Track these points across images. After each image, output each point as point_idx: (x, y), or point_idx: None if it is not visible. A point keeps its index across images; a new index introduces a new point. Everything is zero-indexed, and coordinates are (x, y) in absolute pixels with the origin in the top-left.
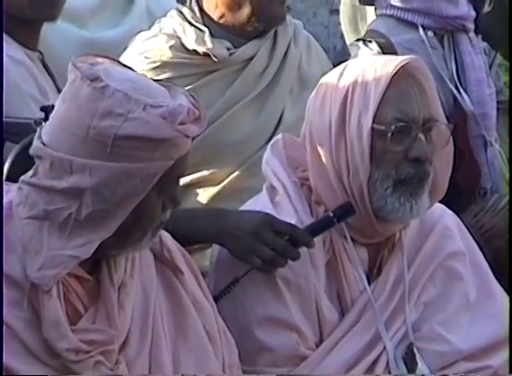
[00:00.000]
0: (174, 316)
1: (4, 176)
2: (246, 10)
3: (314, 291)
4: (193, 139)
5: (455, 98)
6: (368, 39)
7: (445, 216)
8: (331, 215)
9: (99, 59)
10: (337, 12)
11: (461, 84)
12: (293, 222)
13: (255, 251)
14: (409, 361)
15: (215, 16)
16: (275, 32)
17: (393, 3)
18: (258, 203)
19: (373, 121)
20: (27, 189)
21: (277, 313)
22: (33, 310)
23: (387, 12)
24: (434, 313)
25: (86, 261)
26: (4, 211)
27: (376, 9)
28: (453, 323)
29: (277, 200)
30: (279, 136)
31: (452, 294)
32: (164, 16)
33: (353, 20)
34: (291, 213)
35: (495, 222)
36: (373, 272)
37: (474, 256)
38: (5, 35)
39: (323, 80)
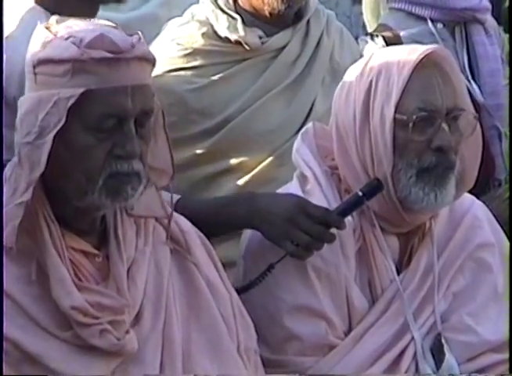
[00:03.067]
0: (187, 297)
1: None
2: None
3: (344, 280)
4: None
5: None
6: (375, 34)
7: (474, 207)
8: (360, 193)
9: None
10: (360, 2)
11: (473, 76)
12: None
13: (290, 236)
14: (437, 352)
15: (248, 5)
16: (308, 22)
17: None
18: (289, 191)
19: (396, 111)
20: None
21: (307, 302)
22: (41, 285)
23: (396, 5)
24: (462, 304)
25: (93, 236)
26: None
27: (387, 1)
28: (482, 314)
29: (308, 188)
30: (309, 125)
31: (481, 285)
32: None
33: (375, 10)
34: (322, 202)
35: (500, 210)
36: (404, 261)
37: (502, 247)
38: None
39: (349, 70)
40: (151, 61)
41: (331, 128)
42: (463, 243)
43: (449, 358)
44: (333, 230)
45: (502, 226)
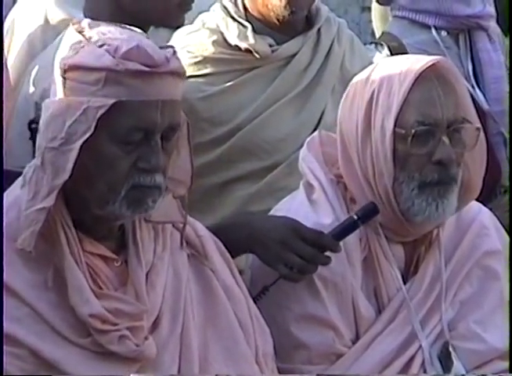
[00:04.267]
0: (205, 302)
1: None
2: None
3: (351, 289)
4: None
5: (472, 96)
6: (379, 42)
7: (481, 214)
8: (355, 217)
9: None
10: (369, 9)
11: (478, 83)
12: (330, 219)
13: (283, 259)
14: (445, 359)
15: (257, 13)
16: (319, 30)
17: (404, 5)
18: (295, 200)
19: (395, 124)
20: None
21: (314, 311)
22: (58, 291)
23: (400, 13)
24: (470, 312)
25: (111, 241)
26: None
27: (391, 9)
28: (489, 322)
29: (314, 197)
30: (315, 133)
31: (488, 293)
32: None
33: (384, 18)
34: (328, 211)
35: (503, 219)
36: (410, 270)
37: (507, 255)
38: None
39: (354, 80)
40: (183, 76)
41: (337, 136)
42: (470, 250)
43: (457, 366)
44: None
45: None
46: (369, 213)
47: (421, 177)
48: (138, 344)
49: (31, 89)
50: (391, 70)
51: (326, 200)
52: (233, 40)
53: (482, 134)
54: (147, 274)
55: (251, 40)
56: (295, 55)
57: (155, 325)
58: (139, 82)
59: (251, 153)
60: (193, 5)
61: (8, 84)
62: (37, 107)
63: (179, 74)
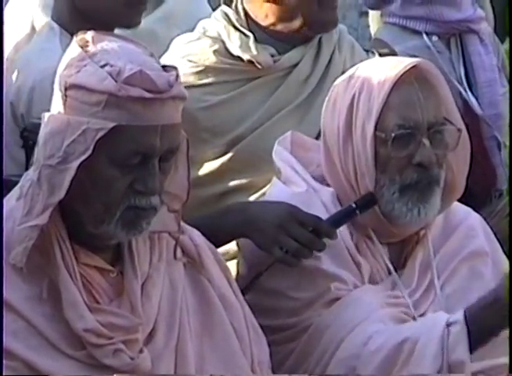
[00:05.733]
0: (201, 312)
1: None
2: (297, 21)
3: (346, 246)
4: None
5: (465, 100)
6: (370, 50)
7: (469, 218)
8: (353, 205)
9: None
10: (367, 14)
11: (470, 86)
12: (303, 188)
13: (279, 242)
14: None
15: (264, 24)
16: (320, 39)
17: (394, 11)
18: (281, 193)
19: (376, 128)
20: None
21: (314, 265)
22: (53, 304)
23: (391, 20)
24: (455, 307)
25: (107, 252)
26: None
27: (382, 15)
28: None
29: (283, 178)
30: (287, 133)
31: (471, 293)
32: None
33: (382, 23)
34: (300, 182)
35: (502, 226)
36: (397, 270)
37: (496, 258)
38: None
39: (335, 83)
40: (184, 99)
41: (321, 139)
42: (457, 249)
43: None
44: (324, 239)
45: (501, 243)
46: (367, 203)
47: (401, 180)
48: (132, 357)
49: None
50: (371, 74)
51: (296, 175)
52: (235, 50)
53: (466, 134)
54: (143, 285)
55: (254, 51)
56: (296, 64)
57: (150, 336)
58: (140, 107)
59: (251, 164)
60: (191, 11)
61: None
62: (13, 108)
63: (181, 98)
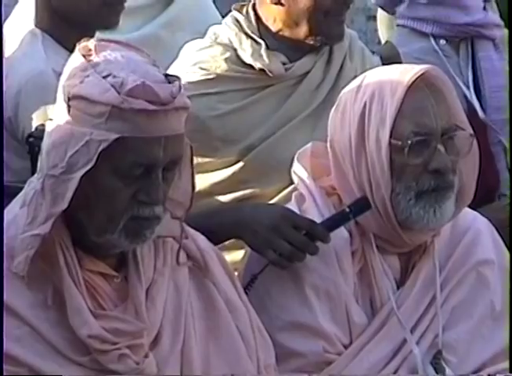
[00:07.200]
0: (206, 316)
1: None
2: (303, 28)
3: (344, 296)
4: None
5: (470, 105)
6: (372, 51)
7: (477, 222)
8: (347, 210)
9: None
10: (375, 18)
11: (478, 92)
12: None
13: (273, 245)
14: (437, 368)
15: (273, 29)
16: (331, 46)
17: (403, 13)
18: None
19: (391, 136)
20: None
21: (303, 319)
22: (58, 310)
23: (401, 22)
24: (460, 320)
25: (112, 258)
26: None
27: (396, 18)
28: (476, 333)
29: (304, 207)
30: (308, 145)
31: (478, 302)
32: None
33: (389, 26)
34: (318, 219)
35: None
36: (406, 280)
37: (503, 265)
38: (55, 43)
39: (343, 92)
40: (187, 109)
41: (328, 152)
42: (464, 258)
43: (449, 373)
44: (330, 255)
45: (504, 239)
46: (361, 207)
47: (418, 187)
48: (138, 362)
49: None
50: (381, 81)
51: (316, 209)
52: (247, 59)
53: (475, 140)
54: (147, 290)
55: (265, 59)
56: (308, 72)
57: (155, 341)
58: (143, 119)
59: (263, 173)
60: (197, 16)
61: None
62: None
63: (184, 108)
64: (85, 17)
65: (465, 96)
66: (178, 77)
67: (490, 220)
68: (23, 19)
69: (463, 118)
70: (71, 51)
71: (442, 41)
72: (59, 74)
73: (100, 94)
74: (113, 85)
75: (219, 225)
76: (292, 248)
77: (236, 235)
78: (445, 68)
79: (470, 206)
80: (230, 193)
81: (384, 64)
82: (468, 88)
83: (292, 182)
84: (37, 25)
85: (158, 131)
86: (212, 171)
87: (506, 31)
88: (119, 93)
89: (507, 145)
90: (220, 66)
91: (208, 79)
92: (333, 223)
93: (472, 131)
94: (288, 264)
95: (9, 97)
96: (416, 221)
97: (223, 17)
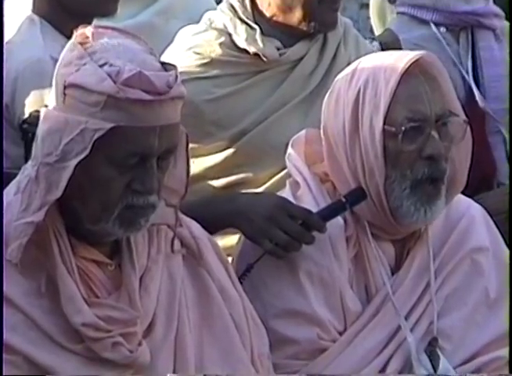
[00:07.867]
0: (200, 304)
1: None
2: (297, 13)
3: (338, 283)
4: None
5: (469, 94)
6: (373, 38)
7: (471, 210)
8: (343, 200)
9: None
10: (367, 6)
11: (477, 81)
12: None
13: (269, 234)
14: (432, 355)
15: (267, 14)
16: (325, 34)
17: (403, 0)
18: None
19: (384, 122)
20: None
21: (298, 306)
22: (51, 298)
23: (401, 9)
24: (454, 308)
25: (106, 245)
26: None
27: (396, 6)
28: (471, 320)
29: (299, 193)
30: (302, 132)
31: (472, 289)
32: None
33: (382, 15)
34: (312, 206)
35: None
36: (400, 266)
37: (498, 252)
38: (53, 30)
39: (337, 78)
40: (183, 98)
41: (321, 138)
42: (458, 245)
43: (444, 360)
44: (324, 242)
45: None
46: (357, 197)
47: (413, 174)
48: (131, 350)
49: None
50: (375, 68)
51: (311, 196)
52: (242, 43)
53: (468, 127)
54: (141, 278)
55: (260, 44)
56: (302, 58)
57: (149, 329)
58: (139, 109)
59: (256, 157)
60: (191, 3)
61: None
62: None
63: (180, 97)
64: (84, 4)
65: (464, 84)
66: (174, 66)
67: (486, 208)
68: (21, 3)
69: (457, 105)
70: (69, 38)
71: (442, 29)
72: (57, 61)
73: (96, 83)
74: (109, 74)
75: (215, 215)
76: (288, 238)
77: (232, 224)
78: (445, 55)
79: (466, 194)
80: (223, 177)
81: (383, 50)
82: (468, 77)
83: (285, 167)
84: (35, 11)
85: (153, 120)
86: (205, 155)
87: (506, 23)
88: (115, 82)
89: (507, 135)
90: (214, 50)
91: (203, 63)
92: (329, 213)
93: (466, 118)
94: (284, 253)
95: (6, 83)
96: (405, 215)
97: (217, 4)
